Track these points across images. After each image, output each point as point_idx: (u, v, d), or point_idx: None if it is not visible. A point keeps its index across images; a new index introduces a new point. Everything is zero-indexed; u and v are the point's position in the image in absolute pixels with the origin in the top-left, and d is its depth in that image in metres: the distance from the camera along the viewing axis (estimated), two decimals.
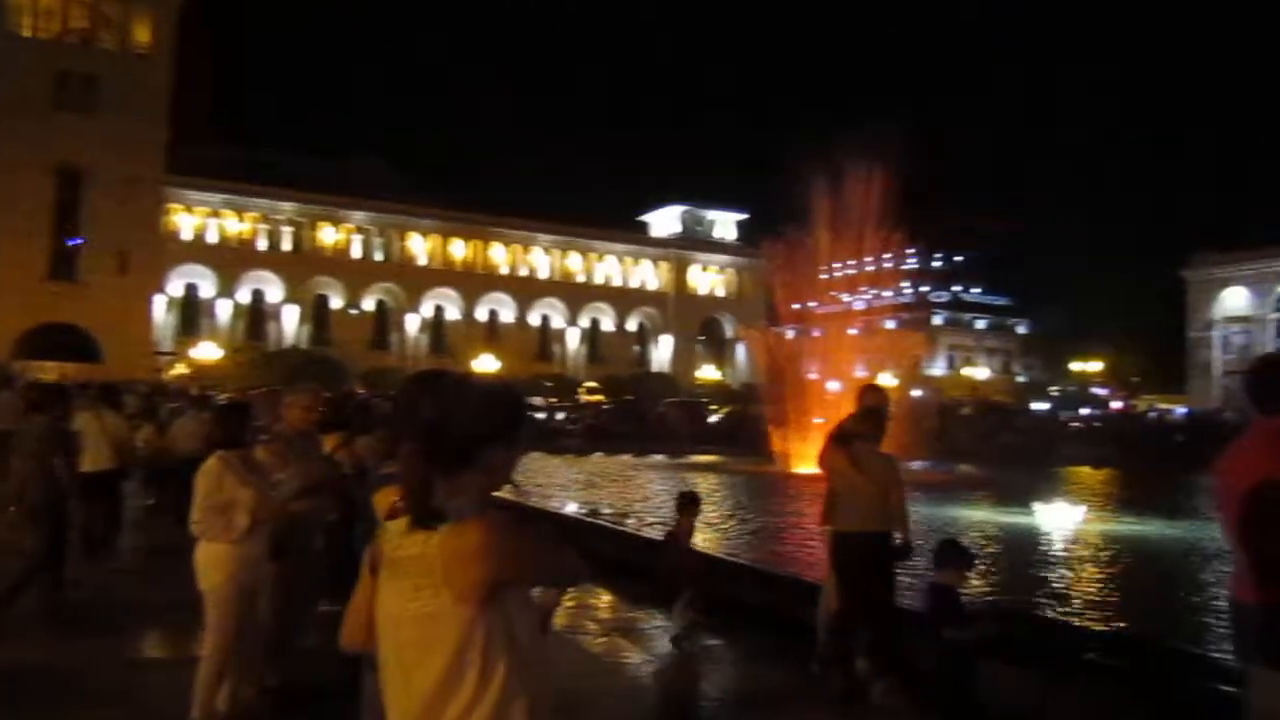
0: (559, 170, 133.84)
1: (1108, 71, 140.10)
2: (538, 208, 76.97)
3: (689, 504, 7.51)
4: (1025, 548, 12.81)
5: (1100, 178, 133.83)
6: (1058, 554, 12.51)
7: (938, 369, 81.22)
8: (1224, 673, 4.40)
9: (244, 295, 68.06)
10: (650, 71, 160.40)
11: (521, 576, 1.86)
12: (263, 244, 68.84)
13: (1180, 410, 54.63)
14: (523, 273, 77.74)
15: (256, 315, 68.51)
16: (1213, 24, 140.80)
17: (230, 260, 66.69)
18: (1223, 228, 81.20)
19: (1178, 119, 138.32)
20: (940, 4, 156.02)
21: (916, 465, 25.73)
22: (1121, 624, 8.29)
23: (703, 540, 12.49)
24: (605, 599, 8.88)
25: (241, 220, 68.50)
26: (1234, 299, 63.94)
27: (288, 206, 68.93)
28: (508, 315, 76.74)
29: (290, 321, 68.80)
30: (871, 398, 6.68)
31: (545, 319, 78.49)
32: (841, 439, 6.41)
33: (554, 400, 55.79)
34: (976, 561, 6.47)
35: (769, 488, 20.73)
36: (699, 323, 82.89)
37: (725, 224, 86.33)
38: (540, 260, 78.76)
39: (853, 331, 32.20)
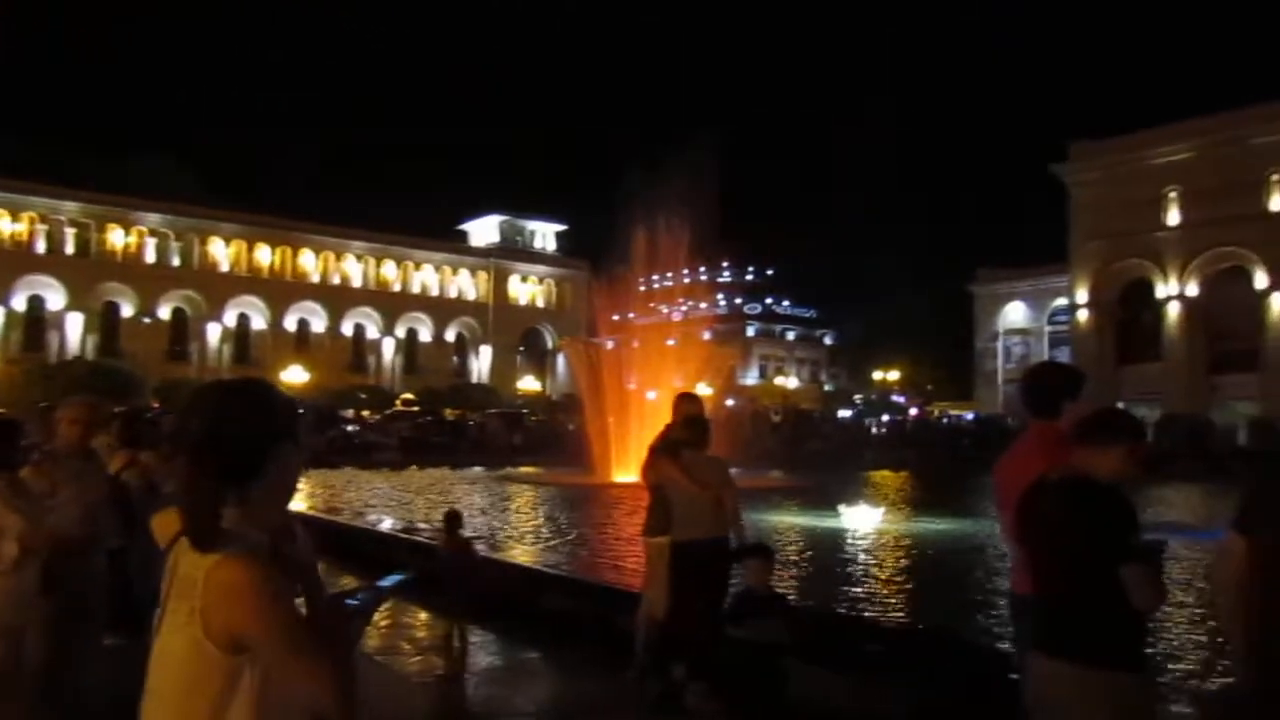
0: (373, 177, 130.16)
1: (908, 98, 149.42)
2: (351, 215, 74.56)
3: (453, 522, 7.37)
4: (831, 549, 13.37)
5: (901, 196, 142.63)
6: (860, 554, 13.12)
7: (751, 378, 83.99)
8: (1008, 661, 4.68)
9: (19, 302, 62.39)
10: (468, 77, 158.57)
11: (263, 642, 1.61)
12: (41, 246, 63.34)
13: (969, 415, 58.78)
14: (335, 281, 74.99)
15: (34, 324, 62.88)
16: (992, 58, 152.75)
17: (2, 264, 61.04)
18: (1006, 247, 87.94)
19: (967, 148, 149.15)
20: (751, 20, 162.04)
21: (731, 472, 26.39)
22: (915, 619, 8.77)
23: (520, 552, 12.39)
24: (422, 617, 8.63)
25: (16, 220, 62.82)
26: (1015, 312, 69.35)
27: (70, 206, 63.73)
28: (319, 325, 73.78)
29: (74, 331, 63.54)
30: (689, 406, 6.78)
31: (359, 329, 75.98)
32: (668, 449, 6.47)
33: (367, 412, 54.05)
34: (778, 560, 6.66)
35: (587, 498, 20.79)
36: (519, 333, 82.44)
37: (545, 234, 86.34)
38: (353, 268, 76.22)
39: (670, 342, 32.78)
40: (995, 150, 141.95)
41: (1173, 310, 52.16)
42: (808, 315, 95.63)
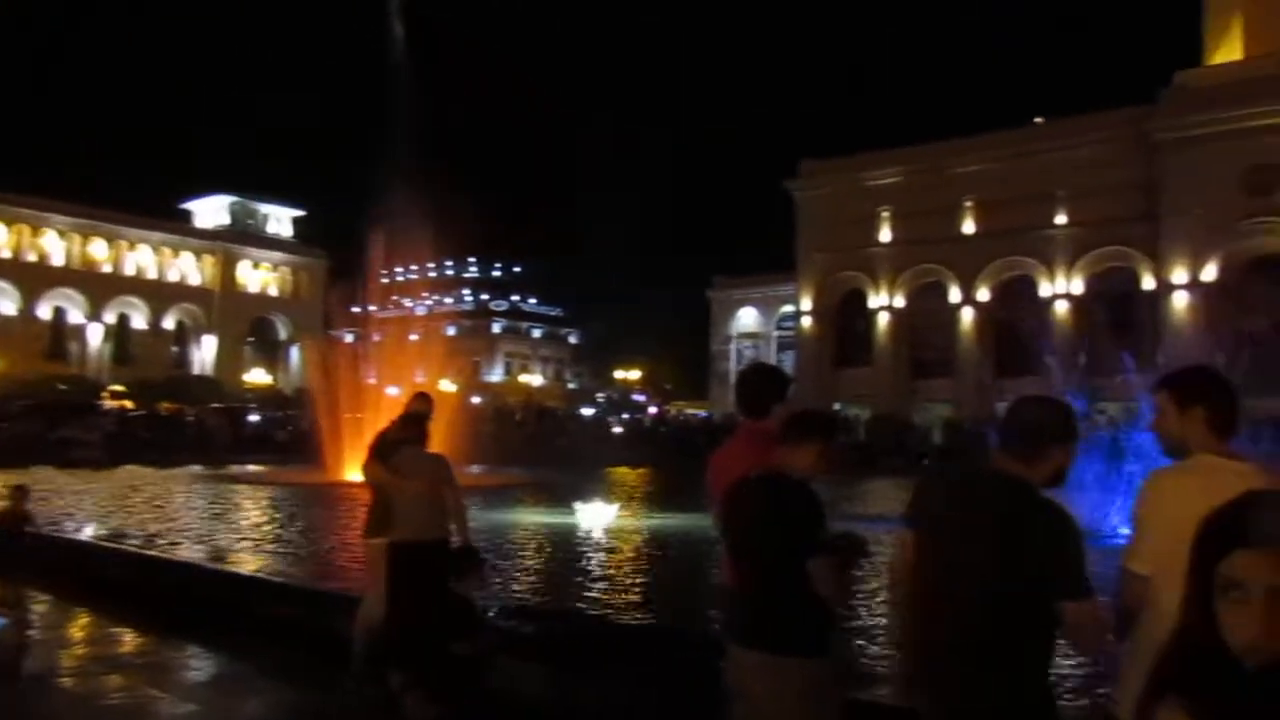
0: (81, 147, 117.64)
1: (658, 110, 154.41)
2: (52, 185, 67.06)
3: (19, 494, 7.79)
4: (567, 546, 13.50)
5: (648, 202, 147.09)
6: (596, 550, 13.34)
7: (496, 375, 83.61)
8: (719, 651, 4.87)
9: None
10: (194, 47, 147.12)
11: None
12: None
13: (704, 414, 61.60)
14: (30, 258, 67.17)
15: None
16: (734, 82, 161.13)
17: None
18: (743, 255, 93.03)
19: (711, 160, 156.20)
20: (510, 16, 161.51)
21: (474, 469, 26.12)
22: (647, 613, 9.01)
23: (234, 556, 11.57)
24: (128, 636, 7.84)
25: None
26: (747, 317, 73.46)
27: None
28: (9, 306, 65.81)
29: None
30: (416, 404, 6.66)
31: (60, 312, 68.46)
32: (384, 448, 6.28)
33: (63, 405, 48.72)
34: (515, 558, 6.62)
35: (316, 498, 19.83)
36: (248, 323, 77.41)
37: (281, 219, 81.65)
38: (54, 245, 68.61)
39: (413, 337, 31.95)
40: (738, 163, 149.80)
41: (882, 320, 57.13)
42: (554, 314, 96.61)
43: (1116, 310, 41.45)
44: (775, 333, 71.18)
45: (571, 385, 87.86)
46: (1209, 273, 45.18)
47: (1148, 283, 47.24)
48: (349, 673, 6.26)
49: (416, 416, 6.42)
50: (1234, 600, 1.18)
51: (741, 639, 3.49)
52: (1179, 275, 45.92)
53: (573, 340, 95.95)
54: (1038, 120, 53.79)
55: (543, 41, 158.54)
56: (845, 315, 59.05)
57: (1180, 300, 45.77)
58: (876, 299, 57.34)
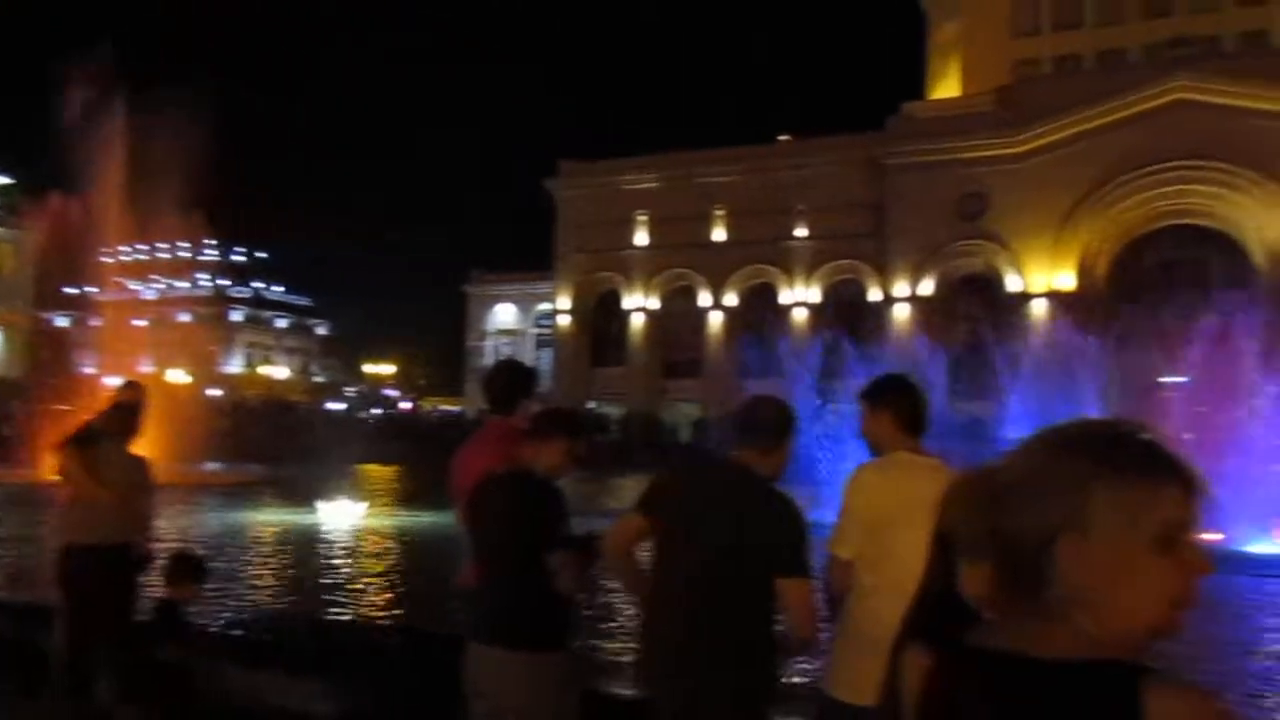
0: None
1: (407, 105, 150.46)
2: None
3: None
4: (309, 546, 12.91)
5: (409, 193, 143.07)
6: (340, 549, 12.85)
7: (234, 366, 78.51)
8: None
9: None
10: None
11: None
12: None
13: (459, 410, 60.81)
14: None
15: None
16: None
17: None
18: (503, 251, 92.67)
19: (472, 156, 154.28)
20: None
21: (210, 467, 24.38)
22: (391, 615, 8.78)
23: None
24: None
25: None
26: (505, 314, 73.23)
27: None
28: None
29: None
30: (124, 393, 6.07)
31: None
32: (82, 440, 5.70)
33: None
34: (211, 573, 6.21)
35: (18, 498, 17.84)
36: None
37: None
38: None
39: (141, 323, 29.42)
40: (500, 160, 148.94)
41: (636, 321, 58.73)
42: (301, 303, 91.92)
43: (848, 318, 44.86)
44: (533, 330, 71.43)
45: (319, 379, 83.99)
46: (926, 287, 49.79)
47: (875, 294, 51.39)
48: (53, 686, 5.68)
49: (124, 407, 5.87)
50: (969, 562, 1.37)
51: (482, 636, 3.48)
52: (901, 289, 50.29)
53: (321, 332, 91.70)
54: (783, 138, 57.21)
55: (299, 27, 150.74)
56: (601, 315, 60.18)
57: (902, 311, 50.13)
58: (631, 300, 58.86)
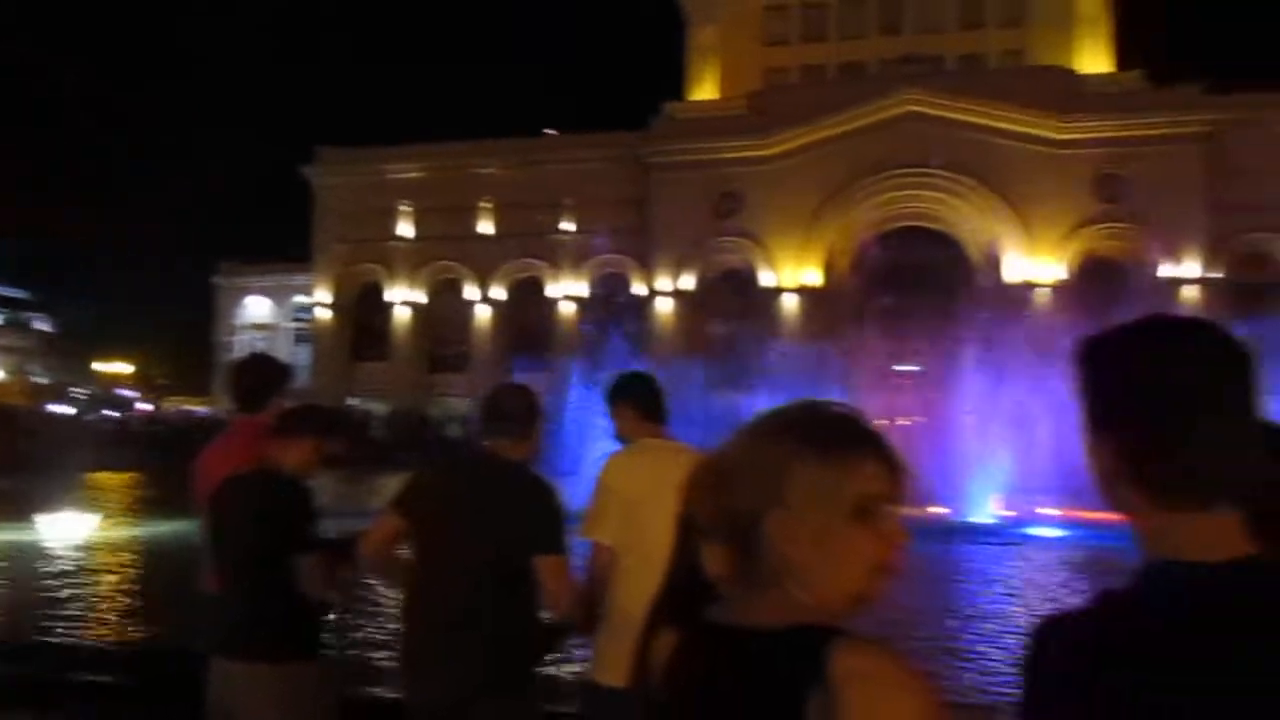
0: None
1: (157, 85, 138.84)
2: None
3: None
4: (31, 565, 11.66)
5: (145, 177, 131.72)
6: (62, 568, 11.68)
7: None
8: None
9: None
10: None
11: None
12: None
13: (205, 410, 56.84)
14: None
15: None
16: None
17: None
18: (255, 241, 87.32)
19: (219, 140, 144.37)
20: None
21: None
22: (125, 634, 8.08)
23: None
24: None
25: None
26: (258, 307, 69.03)
27: None
28: None
29: None
30: None
31: None
32: None
33: None
34: None
35: None
36: None
37: None
38: None
39: None
40: (249, 145, 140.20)
41: (401, 314, 57.16)
42: (17, 296, 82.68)
43: (614, 312, 45.77)
44: (290, 324, 67.79)
45: (40, 380, 75.94)
46: (687, 282, 51.59)
47: (639, 289, 52.68)
48: None
49: None
50: (708, 543, 1.44)
51: (225, 649, 3.27)
52: (663, 283, 51.85)
53: (42, 328, 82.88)
54: (549, 131, 57.45)
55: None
56: (364, 308, 58.14)
57: (665, 305, 51.71)
58: (395, 293, 57.23)
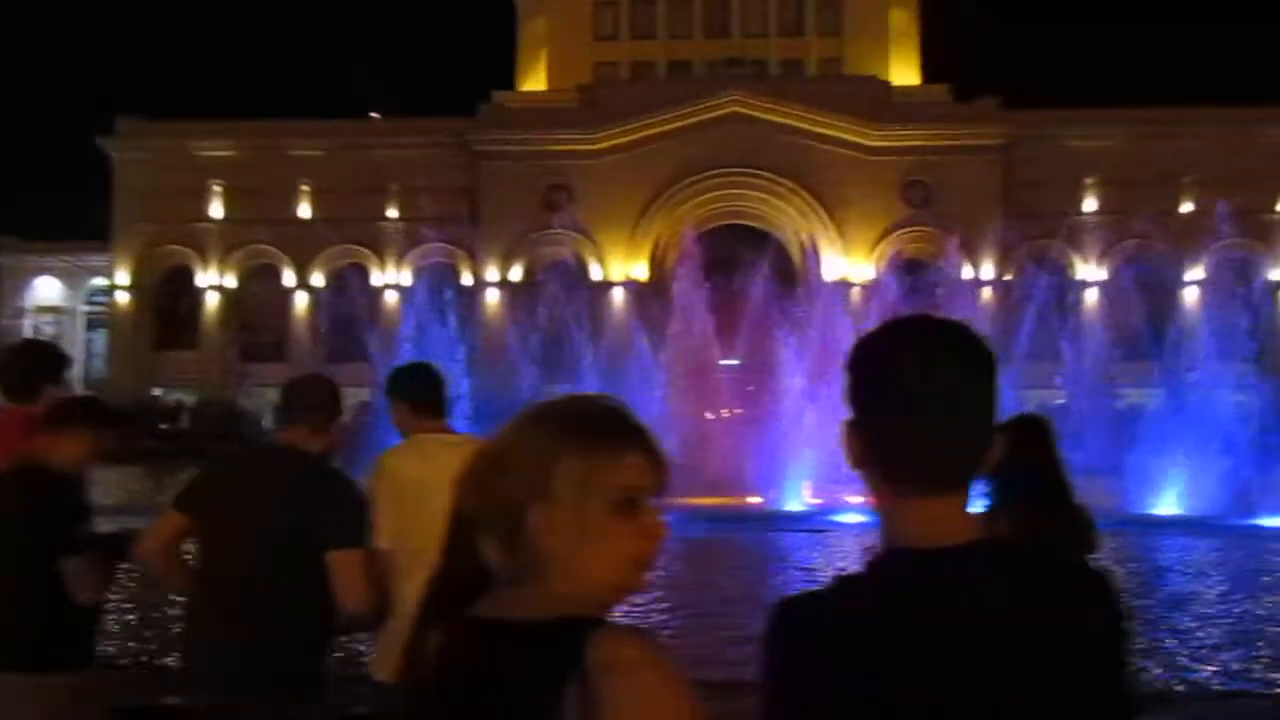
0: None
1: None
2: None
3: None
4: None
5: None
6: None
7: None
8: None
9: None
10: None
11: None
12: None
13: None
14: None
15: None
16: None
17: None
18: (44, 217, 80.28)
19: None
20: None
21: None
22: None
23: None
24: None
25: None
26: (48, 288, 63.62)
27: None
28: None
29: None
30: None
31: None
32: None
33: None
34: None
35: None
36: None
37: None
38: None
39: None
40: (37, 112, 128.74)
41: (211, 300, 54.10)
42: None
43: (441, 303, 44.96)
44: (83, 308, 62.94)
45: None
46: (515, 273, 51.26)
47: (467, 279, 51.90)
48: None
49: None
50: (483, 534, 1.44)
51: None
52: (492, 274, 51.32)
53: None
54: (374, 115, 55.70)
55: None
56: (169, 293, 54.71)
57: (492, 296, 51.18)
58: (205, 277, 54.12)
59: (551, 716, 1.29)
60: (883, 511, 1.50)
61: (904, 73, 55.61)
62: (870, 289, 47.51)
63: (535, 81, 57.32)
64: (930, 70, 56.77)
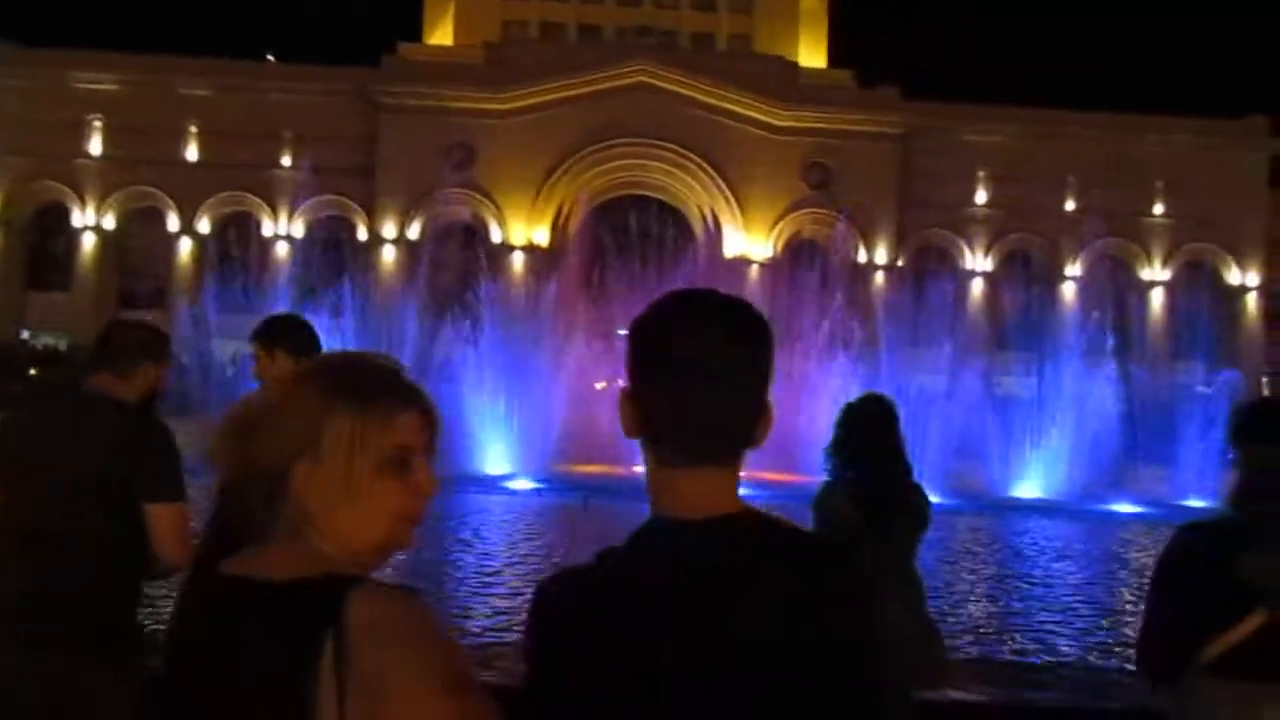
0: None
1: None
2: None
3: None
4: None
5: None
6: None
7: None
8: None
9: None
10: None
11: None
12: None
13: None
14: None
15: None
16: None
17: None
18: None
19: None
20: None
21: None
22: None
23: None
24: None
25: None
26: None
27: None
28: None
29: None
30: None
31: None
32: None
33: None
34: None
35: None
36: None
37: None
38: None
39: None
40: None
41: (88, 241, 51.48)
42: None
43: (333, 258, 43.76)
44: None
45: None
46: (414, 231, 50.23)
47: (363, 234, 50.64)
48: None
49: None
50: (237, 494, 1.46)
51: None
52: (389, 230, 50.18)
53: None
54: (270, 58, 53.59)
55: None
56: (42, 231, 51.88)
57: (389, 254, 50.07)
58: (82, 217, 51.43)
59: (305, 677, 1.26)
60: (650, 481, 1.52)
61: (811, 54, 56.28)
62: (769, 267, 48.26)
63: (442, 35, 55.98)
64: (836, 54, 57.62)
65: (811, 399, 21.69)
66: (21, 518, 2.90)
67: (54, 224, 51.66)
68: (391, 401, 1.42)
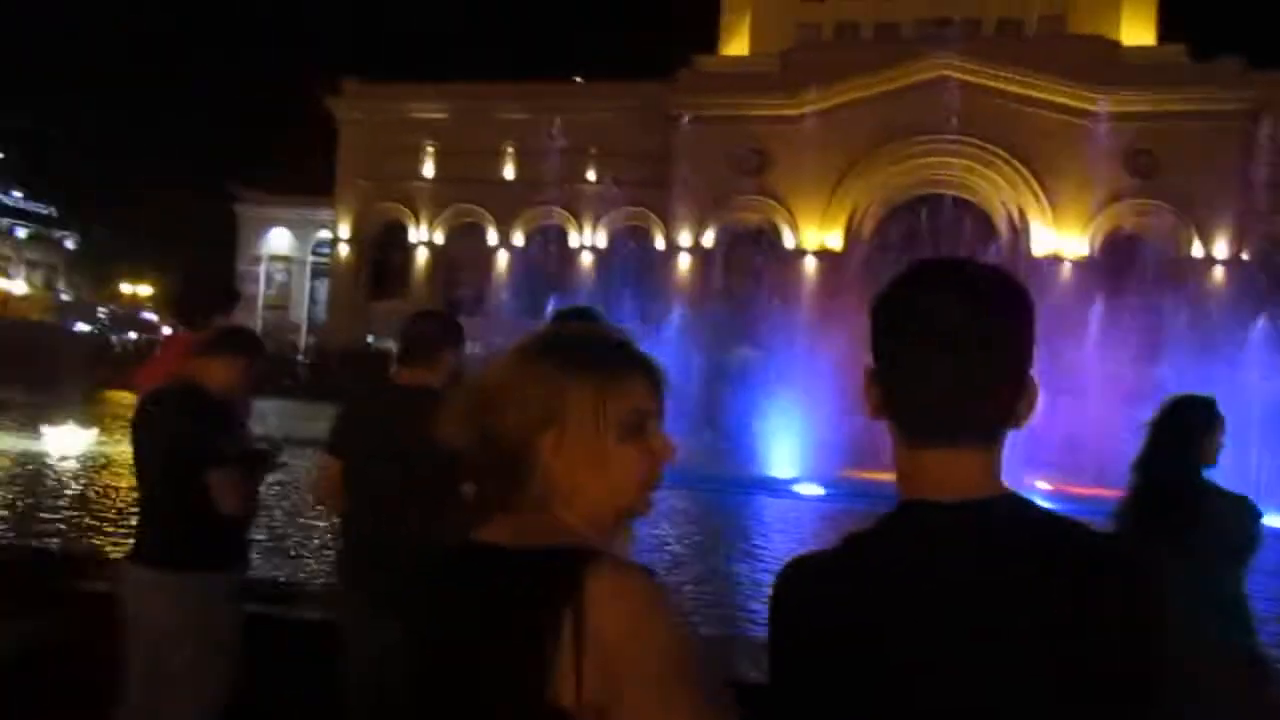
0: None
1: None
2: None
3: None
4: (36, 474, 11.96)
5: (170, 99, 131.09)
6: (70, 478, 11.96)
7: None
8: None
9: None
10: None
11: None
12: None
13: None
14: None
15: None
16: None
17: None
18: (277, 171, 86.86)
19: (244, 64, 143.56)
20: None
21: None
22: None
23: None
24: None
25: None
26: (279, 239, 69.11)
27: None
28: None
29: None
30: None
31: None
32: None
33: None
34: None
35: None
36: None
37: None
38: None
39: None
40: (273, 71, 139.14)
41: (420, 255, 57.21)
42: (45, 212, 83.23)
43: (634, 265, 45.63)
44: (310, 258, 68.02)
45: (65, 297, 76.73)
46: (708, 239, 51.27)
47: (660, 243, 52.39)
48: None
49: None
50: (472, 468, 1.48)
51: (135, 556, 3.36)
52: (684, 239, 51.55)
53: (68, 245, 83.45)
54: (577, 79, 56.80)
55: None
56: (383, 247, 58.27)
57: (685, 261, 51.45)
58: (416, 233, 57.25)
59: (544, 644, 1.29)
60: (897, 463, 1.41)
61: (1135, 31, 51.17)
62: (1083, 265, 44.54)
63: (738, 44, 56.66)
64: (1165, 28, 52.02)
65: (1136, 409, 19.69)
66: (359, 497, 3.23)
67: (393, 240, 57.86)
68: (625, 369, 1.44)
